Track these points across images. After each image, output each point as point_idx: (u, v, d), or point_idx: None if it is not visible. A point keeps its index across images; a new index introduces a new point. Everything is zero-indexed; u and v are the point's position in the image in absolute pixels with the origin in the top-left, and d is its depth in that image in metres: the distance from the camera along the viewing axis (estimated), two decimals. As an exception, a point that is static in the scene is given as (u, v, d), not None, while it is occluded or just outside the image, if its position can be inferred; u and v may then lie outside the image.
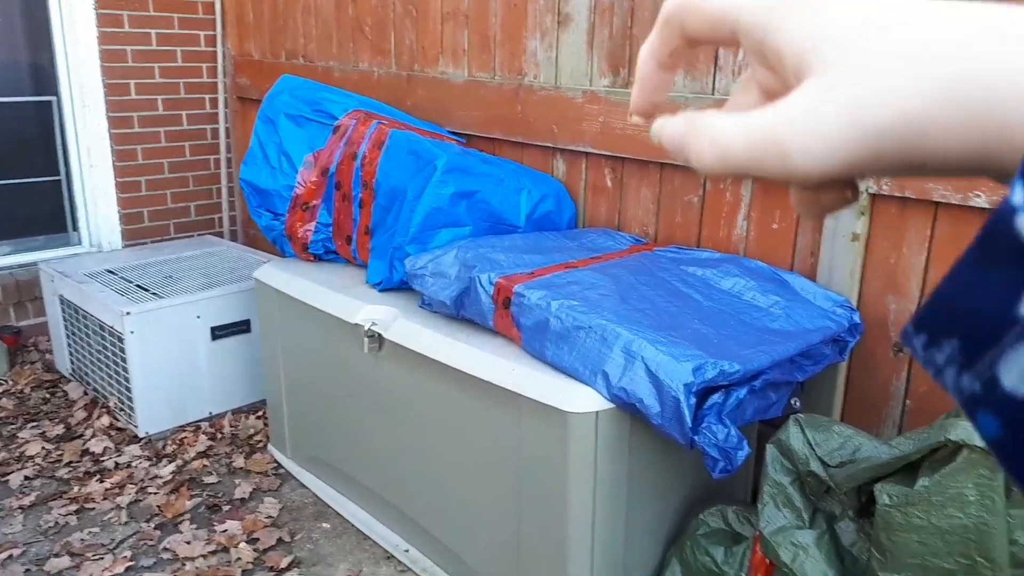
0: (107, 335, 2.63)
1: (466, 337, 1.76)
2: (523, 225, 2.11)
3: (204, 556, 2.04)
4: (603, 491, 1.56)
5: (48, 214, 3.42)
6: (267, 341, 2.39)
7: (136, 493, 2.31)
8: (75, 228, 3.48)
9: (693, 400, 1.44)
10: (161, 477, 2.40)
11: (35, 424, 2.68)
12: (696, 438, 1.45)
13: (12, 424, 2.68)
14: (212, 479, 2.40)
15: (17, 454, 2.49)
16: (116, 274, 2.88)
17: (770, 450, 1.50)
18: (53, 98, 3.35)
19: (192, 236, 3.60)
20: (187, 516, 2.22)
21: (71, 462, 2.46)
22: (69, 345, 2.95)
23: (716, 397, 1.49)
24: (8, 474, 2.38)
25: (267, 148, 2.33)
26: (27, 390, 2.92)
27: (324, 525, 2.18)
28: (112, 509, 2.24)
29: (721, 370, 1.46)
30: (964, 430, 1.14)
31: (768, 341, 1.60)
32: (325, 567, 2.00)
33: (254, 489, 2.35)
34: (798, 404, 1.77)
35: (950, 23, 0.25)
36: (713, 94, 1.97)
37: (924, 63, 0.25)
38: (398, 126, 2.23)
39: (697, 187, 2.06)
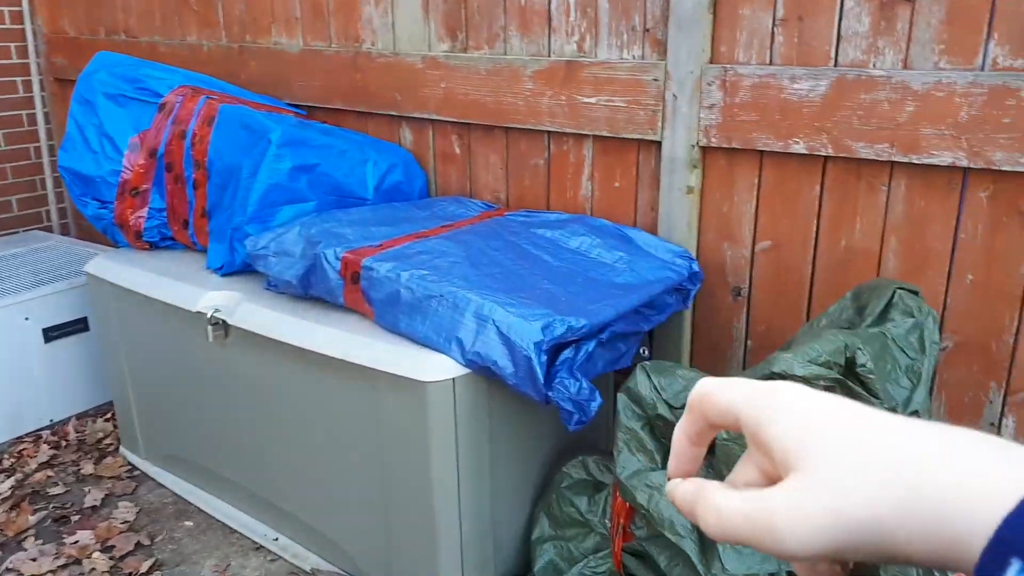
0: (-81, 347, 2.38)
1: (316, 316, 1.71)
2: (372, 197, 2.06)
3: (53, 571, 1.90)
4: (466, 456, 1.57)
5: None
6: (106, 339, 2.23)
7: (-30, 515, 2.12)
8: None
9: (544, 357, 1.47)
10: (-1, 494, 2.21)
11: None
12: (550, 394, 1.48)
13: None
14: (58, 490, 2.24)
15: None
16: (-75, 279, 2.60)
17: (620, 398, 1.56)
18: None
19: (16, 232, 3.30)
20: (31, 532, 2.06)
21: None
22: None
23: (567, 353, 1.53)
24: None
25: (86, 131, 2.15)
26: None
27: (186, 523, 2.08)
28: (-58, 535, 2.05)
29: (569, 326, 1.49)
30: (786, 362, 1.22)
31: (613, 295, 1.65)
32: (190, 566, 1.91)
33: (106, 495, 2.21)
34: (647, 353, 1.84)
35: (910, 441, 0.30)
36: (549, 56, 1.99)
37: (888, 475, 0.30)
38: (229, 100, 2.12)
39: (542, 150, 2.09)
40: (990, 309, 1.61)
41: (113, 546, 1.98)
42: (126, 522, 2.08)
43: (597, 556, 1.62)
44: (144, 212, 2.15)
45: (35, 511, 2.14)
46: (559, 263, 1.78)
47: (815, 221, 1.76)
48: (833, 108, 1.62)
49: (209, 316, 1.81)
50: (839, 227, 1.73)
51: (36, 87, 3.31)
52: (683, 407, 1.36)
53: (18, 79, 3.29)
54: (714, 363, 1.96)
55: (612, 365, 1.68)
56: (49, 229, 3.42)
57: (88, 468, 2.33)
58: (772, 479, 0.33)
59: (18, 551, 1.98)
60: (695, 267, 1.85)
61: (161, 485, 2.24)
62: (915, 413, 1.30)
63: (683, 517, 1.42)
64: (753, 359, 1.91)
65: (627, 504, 1.54)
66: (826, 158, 1.70)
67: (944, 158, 1.55)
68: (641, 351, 1.81)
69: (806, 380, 1.21)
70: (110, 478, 2.29)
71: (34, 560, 1.94)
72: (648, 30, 1.85)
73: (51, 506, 2.17)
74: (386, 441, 1.60)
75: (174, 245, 2.21)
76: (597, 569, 1.61)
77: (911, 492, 0.29)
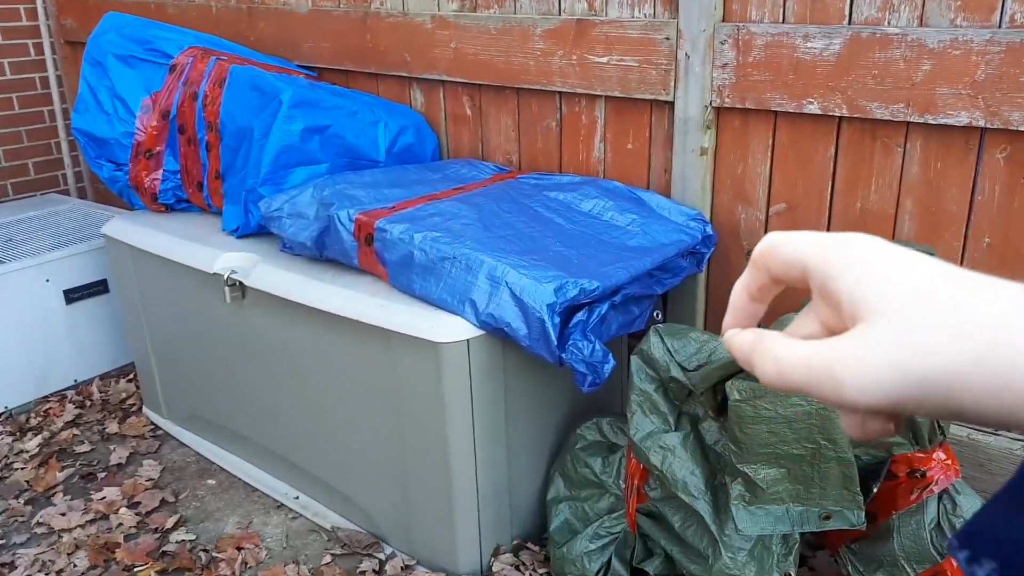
0: (-56, 310, 2.42)
1: (331, 277, 1.73)
2: (384, 160, 2.07)
3: (82, 526, 1.96)
4: (481, 417, 1.60)
5: None
6: (126, 300, 2.27)
7: (0, 470, 2.19)
8: None
9: (557, 319, 1.48)
10: (27, 451, 2.28)
11: None
12: (564, 355, 1.50)
13: None
14: (84, 448, 2.30)
15: None
16: (-54, 243, 2.64)
17: (634, 361, 1.57)
18: None
19: (34, 196, 3.33)
20: (60, 488, 2.12)
21: (-79, 449, 2.29)
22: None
23: (580, 315, 1.54)
24: None
25: (99, 93, 2.15)
26: None
27: (209, 482, 2.13)
28: (-26, 492, 2.11)
29: (581, 288, 1.50)
30: (797, 326, 1.23)
31: (626, 258, 1.65)
32: (214, 523, 1.97)
33: (131, 453, 2.26)
34: (660, 316, 1.85)
35: (989, 297, 0.29)
36: (560, 14, 1.96)
37: (964, 328, 0.29)
38: (239, 61, 2.11)
39: (554, 112, 2.07)
40: (1007, 271, 1.60)
41: (139, 502, 2.04)
42: (151, 479, 2.14)
43: (611, 517, 1.66)
44: (159, 174, 2.16)
45: (63, 468, 2.20)
46: (572, 226, 1.79)
47: (830, 183, 1.75)
48: (847, 67, 1.60)
49: (226, 277, 1.84)
50: (854, 189, 1.72)
51: (47, 50, 3.30)
52: (695, 369, 1.37)
53: (29, 42, 3.28)
54: (726, 324, 1.97)
55: (625, 328, 1.69)
56: (66, 192, 3.45)
57: (112, 427, 2.39)
58: (835, 333, 0.33)
59: (47, 506, 2.05)
60: (709, 230, 1.85)
61: (184, 444, 2.29)
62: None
63: (699, 480, 1.45)
64: (766, 321, 1.91)
65: (641, 465, 1.56)
66: (840, 118, 1.69)
67: (961, 118, 1.53)
68: (655, 314, 1.82)
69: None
70: (134, 437, 2.34)
71: (63, 515, 2.00)
72: (662, -13, 1.82)
73: (78, 463, 2.23)
74: (402, 402, 1.63)
75: (189, 207, 2.23)
76: (611, 529, 1.64)
77: (987, 348, 0.28)
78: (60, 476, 2.17)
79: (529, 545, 1.74)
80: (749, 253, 1.90)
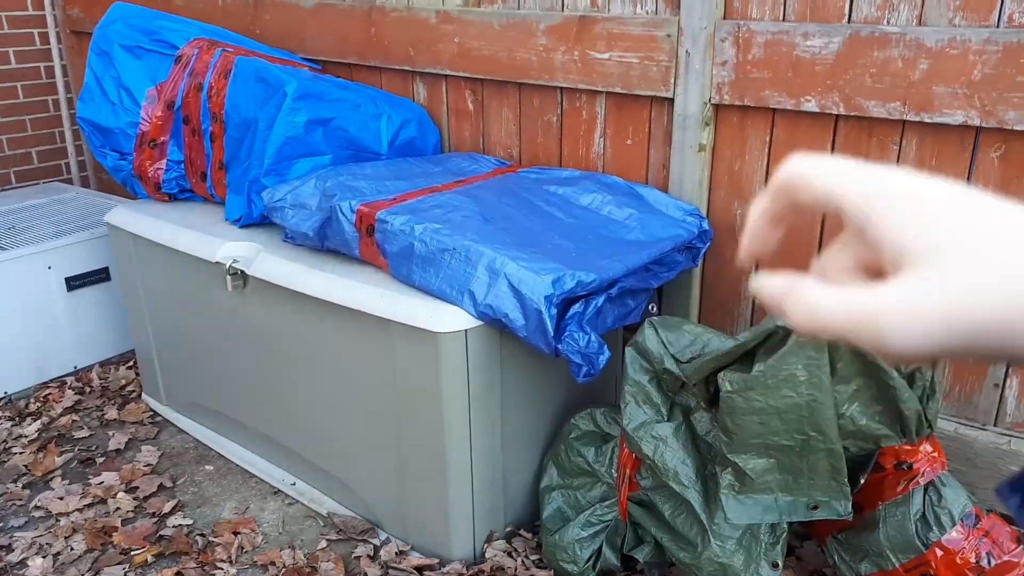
0: (-53, 295, 2.44)
1: (332, 267, 1.75)
2: (386, 152, 2.09)
3: (80, 510, 1.98)
4: (477, 406, 1.61)
5: None
6: (128, 288, 2.29)
7: (-1, 455, 2.21)
8: None
9: (554, 311, 1.50)
10: (26, 436, 2.30)
11: None
12: (560, 346, 1.52)
13: None
14: (83, 433, 2.32)
15: None
16: (-50, 229, 2.66)
17: (628, 352, 1.60)
18: None
19: (37, 184, 3.35)
20: (58, 472, 2.14)
21: (-79, 432, 2.31)
22: (-95, 309, 2.73)
23: (576, 307, 1.56)
24: None
25: (104, 83, 2.17)
26: None
27: (207, 468, 2.15)
28: (-27, 475, 2.13)
29: (579, 280, 1.52)
30: (789, 317, 1.25)
31: (623, 251, 1.67)
32: (211, 507, 1.99)
33: (130, 439, 2.28)
34: (655, 309, 1.87)
35: None
36: (563, 10, 1.98)
37: (1013, 269, 0.28)
38: (245, 53, 2.13)
39: (555, 107, 2.09)
40: (997, 269, 1.62)
41: (137, 487, 2.06)
42: (149, 465, 2.16)
43: (603, 505, 1.68)
44: (163, 164, 2.18)
45: (61, 453, 2.22)
46: (570, 219, 1.81)
47: (826, 180, 1.77)
48: (846, 66, 1.62)
49: (228, 266, 1.86)
50: (849, 186, 1.74)
51: (53, 39, 3.32)
52: (689, 361, 1.39)
53: (35, 31, 3.30)
54: (722, 321, 1.99)
55: (621, 320, 1.71)
56: (69, 181, 3.47)
57: (112, 413, 2.41)
58: (872, 271, 0.32)
59: (45, 490, 2.07)
60: (705, 225, 1.87)
61: (182, 431, 2.31)
62: (918, 370, 1.33)
63: (690, 469, 1.47)
64: (761, 317, 1.94)
65: (633, 455, 1.58)
66: (838, 116, 1.71)
67: (956, 117, 1.55)
68: (650, 307, 1.84)
69: (808, 335, 1.23)
70: (133, 423, 2.36)
71: (61, 499, 2.02)
72: (663, -15, 1.84)
73: (76, 448, 2.25)
74: (400, 390, 1.65)
75: (193, 197, 2.25)
76: (603, 517, 1.66)
77: None
78: (58, 461, 2.19)
79: (522, 532, 1.76)
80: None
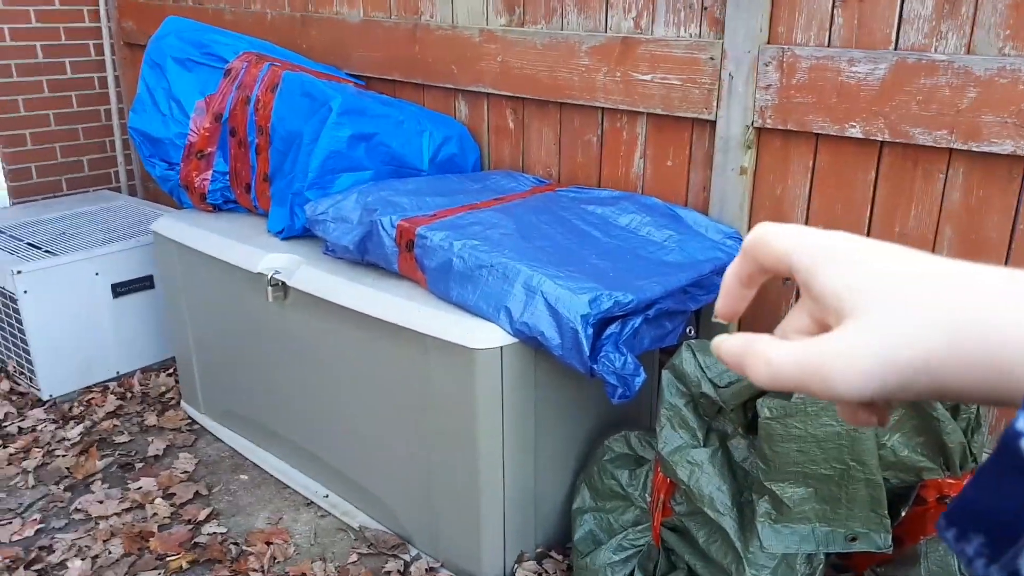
0: (-2, 298, 2.52)
1: (371, 281, 1.77)
2: (427, 168, 2.11)
3: (118, 514, 2.02)
4: (511, 424, 1.62)
5: (-77, 173, 3.21)
6: (170, 296, 2.34)
7: (43, 456, 2.26)
8: (-46, 187, 3.28)
9: (591, 331, 1.50)
10: (69, 439, 2.35)
11: (-73, 394, 2.57)
12: (595, 366, 1.52)
13: (-99, 395, 2.56)
14: (123, 438, 2.37)
15: (-91, 426, 2.39)
16: (4, 232, 2.74)
17: (665, 375, 1.59)
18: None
19: (87, 191, 3.44)
20: (98, 476, 2.19)
21: (-31, 430, 2.38)
22: (-42, 310, 2.82)
23: (613, 327, 1.56)
24: (-100, 447, 2.28)
25: (156, 94, 2.23)
26: (-85, 359, 2.78)
27: (242, 477, 2.18)
28: (18, 474, 2.18)
29: (616, 301, 1.52)
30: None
31: (661, 273, 1.67)
32: (245, 517, 2.01)
33: (168, 446, 2.32)
34: (692, 332, 1.86)
35: (959, 283, 0.31)
36: (606, 32, 2.00)
37: (943, 313, 0.30)
38: (292, 68, 2.17)
39: (595, 127, 2.10)
40: (1046, 301, 1.58)
41: (174, 494, 2.09)
42: (186, 472, 2.19)
43: (636, 529, 1.66)
44: (209, 175, 2.23)
45: (102, 457, 2.27)
46: (608, 239, 1.81)
47: (869, 207, 1.75)
48: (892, 92, 1.61)
49: (269, 277, 1.89)
50: (893, 214, 1.72)
51: (107, 51, 3.43)
52: (727, 386, 1.38)
53: (90, 42, 3.41)
54: (759, 344, 1.97)
55: (658, 342, 1.70)
56: (117, 189, 3.56)
57: (151, 419, 2.46)
58: (824, 328, 0.34)
59: (86, 493, 2.11)
60: (745, 248, 1.85)
61: (219, 439, 2.35)
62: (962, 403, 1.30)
63: (726, 496, 1.45)
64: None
65: (668, 479, 1.57)
66: (882, 143, 1.69)
67: (1005, 146, 1.52)
68: (687, 330, 1.83)
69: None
70: (171, 430, 2.41)
71: (101, 503, 2.06)
72: (706, 8, 1.84)
73: (117, 453, 2.29)
74: (435, 405, 1.66)
75: (236, 208, 2.29)
76: (636, 542, 1.65)
77: (966, 329, 0.30)
78: (99, 464, 2.23)
79: (552, 554, 1.76)
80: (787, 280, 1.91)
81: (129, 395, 2.60)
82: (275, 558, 1.82)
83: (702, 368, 1.55)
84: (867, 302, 0.32)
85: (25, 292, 2.42)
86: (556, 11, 2.08)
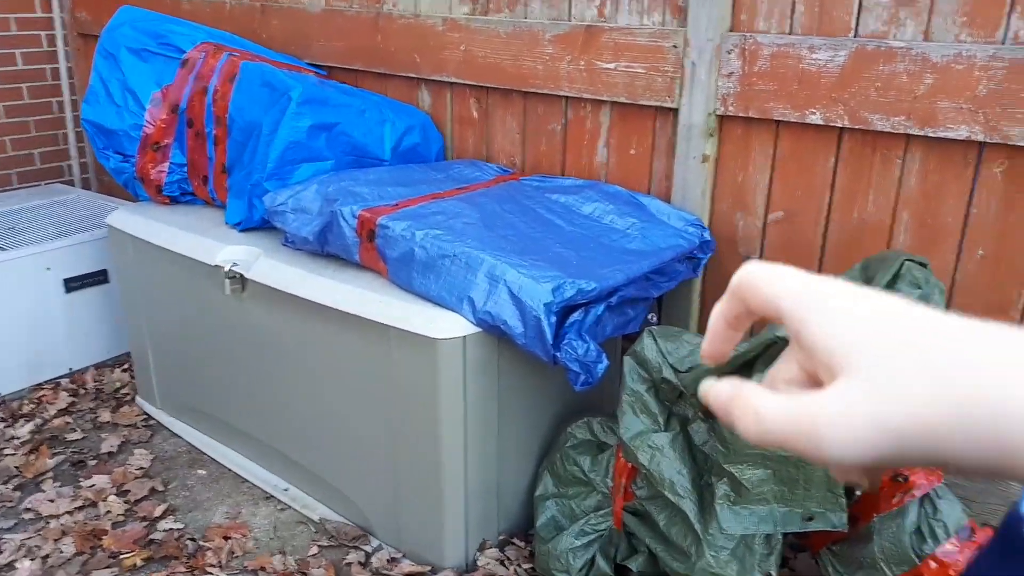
0: (-56, 293, 2.43)
1: (332, 273, 1.74)
2: (389, 158, 2.08)
3: (70, 512, 1.96)
4: (474, 413, 1.60)
5: None
6: (126, 290, 2.28)
7: (-9, 456, 2.19)
8: (-101, 180, 3.17)
9: (554, 319, 1.49)
10: (18, 437, 2.28)
11: None
12: (558, 354, 1.51)
13: None
14: (76, 436, 2.30)
15: None
16: (-50, 227, 2.65)
17: (627, 361, 1.58)
18: None
19: (38, 185, 3.35)
20: (49, 475, 2.12)
21: (-86, 430, 2.30)
22: (-98, 307, 2.72)
23: (576, 315, 1.55)
24: None
25: (110, 85, 2.18)
26: None
27: (199, 472, 2.13)
28: (-35, 475, 2.11)
29: (579, 289, 1.51)
30: (791, 326, 1.24)
31: (624, 261, 1.67)
32: (202, 512, 1.97)
33: (123, 442, 2.26)
34: (655, 319, 1.86)
35: (967, 344, 0.29)
36: (569, 20, 1.99)
37: (941, 379, 0.28)
38: (250, 58, 2.13)
39: (559, 116, 2.09)
40: (999, 285, 1.61)
41: (128, 491, 2.04)
42: (141, 468, 2.14)
43: (598, 514, 1.66)
44: (165, 167, 2.18)
45: (53, 455, 2.20)
46: (572, 228, 1.80)
47: (828, 193, 1.76)
48: (851, 79, 1.62)
49: (227, 270, 1.85)
50: (852, 199, 1.74)
51: (60, 41, 3.34)
52: (688, 371, 1.38)
53: (42, 33, 3.31)
54: (722, 332, 1.98)
55: (620, 329, 1.70)
56: (70, 183, 3.47)
57: (105, 416, 2.39)
58: (814, 378, 0.33)
59: (36, 492, 2.05)
60: (707, 236, 1.86)
61: (175, 435, 2.30)
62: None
63: (686, 480, 1.45)
64: (759, 329, 1.93)
65: (629, 464, 1.57)
66: (842, 129, 1.70)
67: (961, 132, 1.55)
68: (649, 317, 1.83)
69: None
70: (126, 426, 2.34)
71: (52, 501, 2.00)
72: (669, -3, 1.85)
73: (69, 451, 2.23)
74: (396, 396, 1.63)
75: (194, 200, 2.24)
76: (597, 527, 1.65)
77: (967, 397, 0.28)
78: (50, 463, 2.17)
79: (515, 540, 1.74)
80: (747, 259, 1.92)
81: (82, 391, 2.53)
82: (233, 552, 1.78)
83: (663, 354, 1.55)
84: (862, 361, 0.30)
85: (-27, 287, 2.34)
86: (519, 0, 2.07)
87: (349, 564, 1.73)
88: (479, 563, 1.67)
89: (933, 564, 1.31)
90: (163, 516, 1.95)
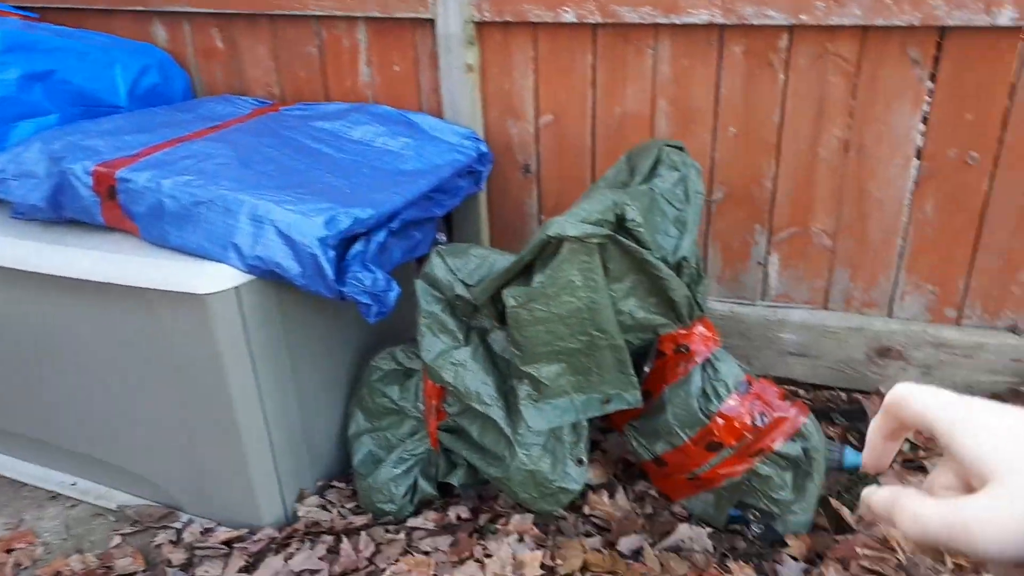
0: None
1: (75, 240, 1.54)
2: (126, 104, 1.87)
3: None
4: (264, 365, 1.51)
5: None
6: None
7: None
8: None
9: (332, 253, 1.42)
10: None
11: None
12: (344, 289, 1.45)
13: None
14: None
15: None
16: None
17: (419, 284, 1.55)
18: None
19: None
20: None
21: None
22: None
23: (358, 246, 1.49)
24: None
25: None
26: None
27: (-31, 486, 1.89)
28: None
29: (355, 218, 1.44)
30: (558, 224, 1.25)
31: (401, 183, 1.61)
32: (-20, 530, 1.75)
33: None
34: (444, 238, 1.84)
35: None
36: None
37: None
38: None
39: (312, 38, 1.96)
40: (751, 158, 1.73)
41: None
42: None
43: (414, 439, 1.65)
44: None
45: None
46: (342, 155, 1.71)
47: (591, 90, 1.79)
48: (593, -29, 1.63)
49: (-54, 255, 1.59)
50: (613, 94, 1.78)
51: None
52: (478, 284, 1.36)
53: None
54: (513, 240, 2.00)
55: (410, 254, 1.66)
56: None
57: None
58: (968, 485, 0.37)
59: None
60: (483, 148, 1.84)
61: (-65, 450, 2.01)
62: (683, 259, 1.39)
63: (491, 388, 1.46)
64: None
65: (437, 385, 1.56)
66: (595, 25, 1.72)
67: (702, 16, 1.61)
68: (439, 237, 1.80)
69: (579, 239, 1.24)
70: None
71: None
72: (405, -102, 1.75)
73: None
74: (175, 362, 1.51)
75: None
76: (415, 451, 1.64)
77: None
78: None
79: (335, 483, 1.71)
80: (526, 168, 1.93)
81: None
82: (20, 565, 1.60)
83: (453, 271, 1.53)
84: (1009, 469, 0.34)
85: None
86: (245, -88, 1.89)
87: (159, 546, 1.62)
88: (300, 513, 1.62)
89: (720, 420, 1.42)
90: (-69, 543, 1.71)
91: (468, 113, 1.87)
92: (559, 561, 1.45)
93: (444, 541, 1.55)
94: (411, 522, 1.61)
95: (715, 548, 1.47)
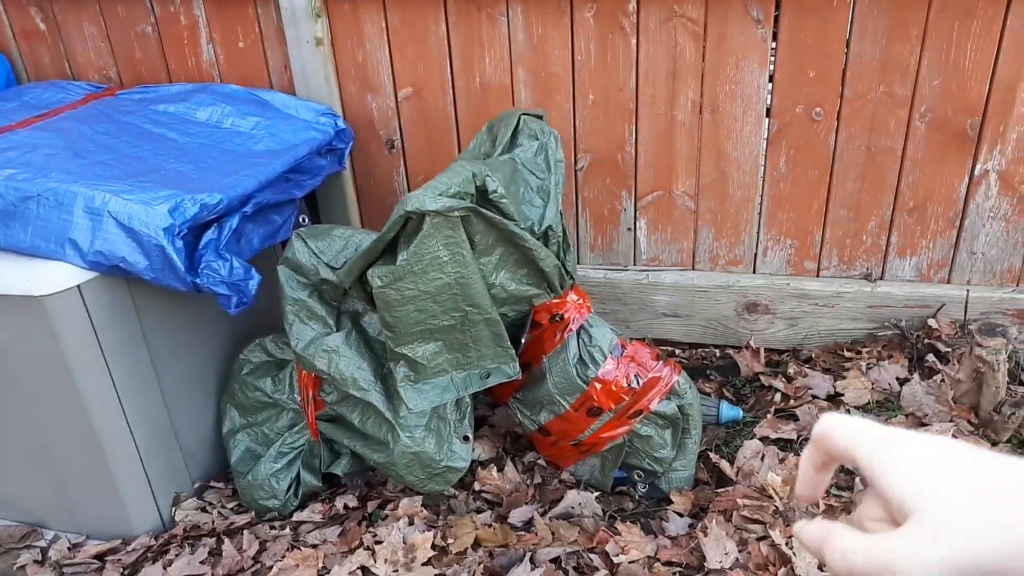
0: None
1: None
2: (-65, 94, 1.68)
3: None
4: (119, 367, 1.41)
5: None
6: None
7: None
8: None
9: (180, 243, 1.34)
10: None
11: None
12: (198, 281, 1.37)
13: None
14: None
15: None
16: None
17: (281, 270, 1.49)
18: None
19: None
20: None
21: None
22: None
23: (210, 233, 1.41)
24: None
25: None
26: None
27: None
28: None
29: (202, 204, 1.36)
30: (417, 199, 1.22)
31: (253, 165, 1.53)
32: None
33: None
34: (307, 220, 1.77)
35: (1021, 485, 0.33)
36: None
37: (1005, 523, 0.32)
38: None
39: (147, 15, 1.82)
40: (611, 125, 1.75)
41: None
42: None
43: (293, 432, 1.59)
44: None
45: None
46: (187, 139, 1.61)
47: (448, 61, 1.76)
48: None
49: None
50: (470, 64, 1.75)
51: None
52: (343, 266, 1.31)
53: None
54: (383, 220, 1.94)
55: (271, 239, 1.59)
56: None
57: None
58: (894, 519, 0.36)
59: None
60: (341, 124, 1.78)
61: None
62: (549, 228, 1.39)
63: (368, 373, 1.43)
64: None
65: (311, 373, 1.51)
66: (446, -7, 1.68)
67: (550, -19, 1.60)
68: (301, 219, 1.73)
69: (439, 213, 1.22)
70: None
71: None
72: None
73: None
74: (19, 373, 1.38)
75: None
76: (295, 444, 1.58)
77: None
78: None
79: (213, 484, 1.63)
80: (390, 143, 1.88)
81: None
82: None
83: (316, 255, 1.48)
84: (931, 505, 0.34)
85: None
86: None
87: (23, 567, 1.50)
88: (177, 518, 1.54)
89: (598, 385, 1.44)
90: None
91: (322, 89, 1.80)
92: (450, 540, 1.44)
93: (332, 532, 1.51)
94: (297, 516, 1.56)
95: (604, 511, 1.50)
